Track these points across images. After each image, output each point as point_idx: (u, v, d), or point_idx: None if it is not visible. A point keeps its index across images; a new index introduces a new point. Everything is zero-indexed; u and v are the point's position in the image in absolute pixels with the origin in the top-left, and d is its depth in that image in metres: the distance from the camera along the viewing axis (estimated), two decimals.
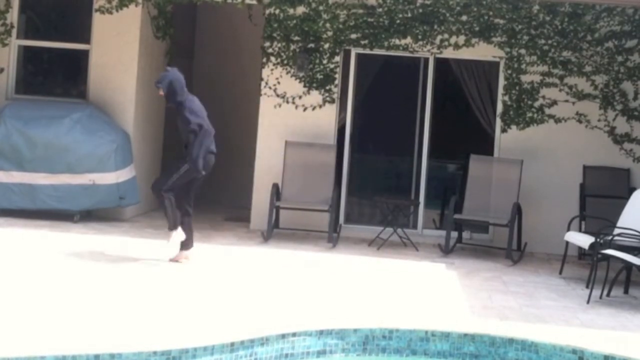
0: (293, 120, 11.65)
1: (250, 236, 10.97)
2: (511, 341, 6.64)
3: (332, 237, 10.83)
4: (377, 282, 8.62)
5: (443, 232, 10.95)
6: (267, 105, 11.71)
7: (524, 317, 7.49)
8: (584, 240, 9.51)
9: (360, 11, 11.60)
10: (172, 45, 12.80)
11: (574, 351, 6.43)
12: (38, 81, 12.37)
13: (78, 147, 10.89)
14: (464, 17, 11.48)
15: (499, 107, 11.58)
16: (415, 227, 11.67)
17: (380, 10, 11.60)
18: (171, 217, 8.79)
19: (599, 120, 11.43)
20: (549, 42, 11.45)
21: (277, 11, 11.66)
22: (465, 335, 6.70)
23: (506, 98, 11.52)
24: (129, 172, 11.16)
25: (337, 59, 11.72)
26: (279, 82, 11.70)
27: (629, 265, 8.78)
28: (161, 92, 8.79)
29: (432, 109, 11.75)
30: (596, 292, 8.54)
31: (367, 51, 11.75)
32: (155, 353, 5.57)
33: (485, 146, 11.62)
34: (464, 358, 6.64)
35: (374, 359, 6.57)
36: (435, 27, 11.55)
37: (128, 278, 7.98)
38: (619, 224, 9.33)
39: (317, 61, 11.70)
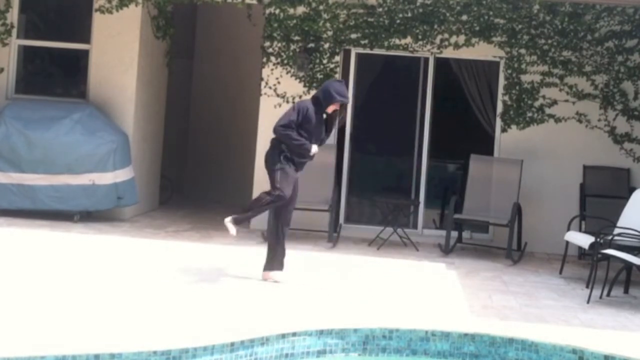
0: None
1: (250, 236, 10.96)
2: (511, 341, 6.64)
3: (332, 236, 10.83)
4: (377, 282, 8.61)
5: (443, 232, 10.95)
6: (267, 105, 11.71)
7: (524, 317, 7.49)
8: (584, 240, 9.50)
9: (360, 11, 11.60)
10: (172, 45, 12.80)
11: (574, 351, 6.43)
12: (38, 81, 12.35)
13: (78, 148, 10.88)
14: (464, 17, 11.48)
15: (499, 107, 11.58)
16: (415, 227, 11.67)
17: (380, 10, 11.59)
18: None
19: (599, 120, 11.43)
20: (549, 41, 11.45)
21: (277, 11, 11.65)
22: (465, 335, 6.70)
23: (506, 98, 11.52)
24: (127, 173, 11.15)
25: (337, 58, 11.72)
26: (279, 82, 11.70)
27: (629, 265, 8.78)
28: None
29: (432, 109, 11.74)
30: (596, 292, 8.53)
31: (367, 51, 11.75)
32: (155, 353, 5.57)
33: (485, 146, 11.61)
34: (464, 358, 6.65)
35: (374, 359, 6.57)
36: (435, 26, 11.54)
37: (128, 278, 7.98)
38: (619, 223, 9.33)
39: (317, 61, 11.69)
